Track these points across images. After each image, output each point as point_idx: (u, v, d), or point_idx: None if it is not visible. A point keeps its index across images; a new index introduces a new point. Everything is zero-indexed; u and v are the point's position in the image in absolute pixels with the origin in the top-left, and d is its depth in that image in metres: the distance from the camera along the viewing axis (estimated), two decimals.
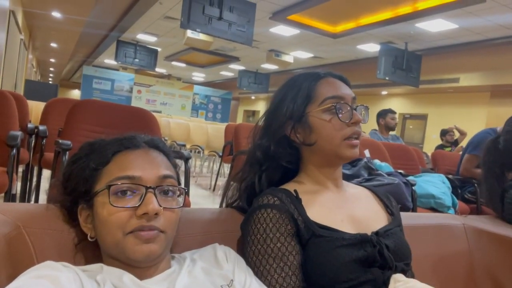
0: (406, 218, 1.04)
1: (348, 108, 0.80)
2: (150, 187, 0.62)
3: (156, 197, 0.62)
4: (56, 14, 7.75)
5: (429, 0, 5.67)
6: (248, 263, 0.74)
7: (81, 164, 0.66)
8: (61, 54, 13.25)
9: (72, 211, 0.67)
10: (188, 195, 1.81)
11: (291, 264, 0.72)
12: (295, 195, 0.78)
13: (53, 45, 11.58)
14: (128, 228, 0.60)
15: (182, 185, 0.70)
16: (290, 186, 0.82)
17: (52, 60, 15.19)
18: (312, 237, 0.74)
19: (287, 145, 0.84)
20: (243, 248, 0.77)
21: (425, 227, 1.13)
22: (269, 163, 0.85)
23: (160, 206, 0.62)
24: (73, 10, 7.21)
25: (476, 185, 2.76)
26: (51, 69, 18.58)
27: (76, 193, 0.66)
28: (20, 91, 9.36)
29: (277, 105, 0.84)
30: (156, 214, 0.61)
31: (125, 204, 0.61)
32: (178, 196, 0.67)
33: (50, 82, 21.30)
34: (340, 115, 0.79)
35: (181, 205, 0.67)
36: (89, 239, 0.65)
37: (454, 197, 2.49)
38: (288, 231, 0.74)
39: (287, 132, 0.83)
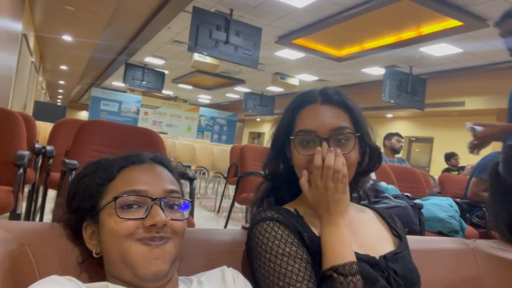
0: (414, 242, 1.03)
1: (311, 144, 0.77)
2: (156, 199, 0.63)
3: (162, 209, 0.62)
4: (66, 38, 7.95)
5: (432, 25, 5.75)
6: (261, 274, 0.71)
7: (87, 181, 0.66)
8: (70, 77, 13.50)
9: (76, 229, 0.67)
10: (193, 216, 1.79)
11: (306, 263, 0.70)
12: (296, 213, 0.78)
13: (63, 67, 11.82)
14: (136, 236, 0.60)
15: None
16: (289, 206, 0.81)
17: (62, 82, 15.47)
18: (318, 253, 0.72)
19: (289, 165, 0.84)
20: (250, 267, 0.75)
21: (433, 252, 1.10)
22: (278, 181, 0.86)
23: (167, 218, 0.62)
24: (83, 34, 7.40)
25: (484, 209, 2.72)
26: (60, 90, 18.89)
27: (81, 210, 0.66)
28: (29, 112, 9.51)
29: (277, 125, 0.86)
30: (164, 225, 0.61)
31: (131, 216, 0.61)
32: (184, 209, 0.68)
33: (59, 104, 21.63)
34: (303, 151, 0.77)
35: (187, 217, 0.68)
36: (94, 255, 0.64)
37: (463, 221, 2.45)
38: (295, 240, 0.72)
39: (287, 152, 0.84)
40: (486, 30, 5.51)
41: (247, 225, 0.84)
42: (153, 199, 0.63)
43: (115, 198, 0.62)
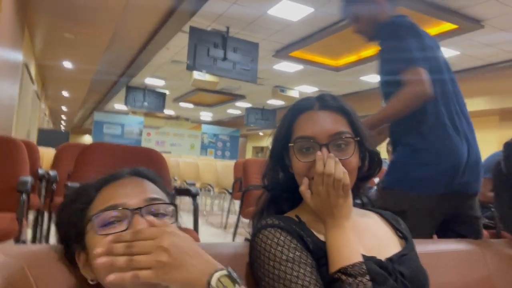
0: (423, 244, 1.01)
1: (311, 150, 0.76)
2: (135, 209, 0.61)
3: (144, 218, 0.60)
4: (67, 65, 8.07)
5: (427, 30, 5.75)
6: (266, 283, 0.69)
7: (69, 210, 0.66)
8: (72, 102, 13.66)
9: (72, 258, 0.66)
10: (197, 232, 1.78)
11: (311, 268, 0.68)
12: (297, 220, 0.76)
13: (65, 94, 11.96)
14: None
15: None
16: (290, 214, 0.80)
17: (64, 108, 15.64)
18: (323, 258, 0.70)
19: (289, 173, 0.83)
20: (254, 277, 0.73)
21: (443, 254, 1.08)
22: (278, 191, 0.86)
23: None
24: (83, 59, 7.51)
25: (492, 209, 2.68)
26: (63, 117, 19.08)
27: (69, 238, 0.65)
28: (34, 139, 9.58)
29: (275, 134, 0.86)
30: None
31: (112, 231, 0.60)
32: (171, 216, 0.66)
33: (62, 130, 21.81)
34: (303, 158, 0.76)
35: (175, 221, 0.65)
36: (90, 282, 0.63)
37: None
38: (298, 245, 0.71)
39: (286, 160, 0.83)
40: (481, 32, 5.54)
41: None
42: (132, 210, 0.61)
43: (92, 217, 0.61)
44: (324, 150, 0.74)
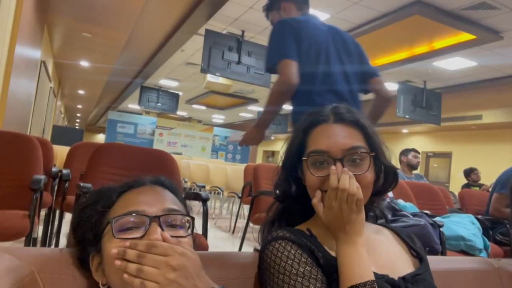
0: (434, 262, 0.98)
1: (324, 164, 0.75)
2: (154, 217, 0.61)
3: (161, 227, 0.60)
4: (84, 63, 8.19)
5: (445, 40, 5.72)
6: None
7: (89, 212, 0.66)
8: (87, 101, 13.86)
9: (84, 260, 0.66)
10: (206, 238, 1.77)
11: (321, 284, 0.67)
12: (309, 233, 0.75)
13: (81, 92, 12.14)
14: None
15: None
16: (301, 227, 0.79)
17: (79, 106, 15.88)
18: (334, 273, 0.69)
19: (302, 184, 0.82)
20: None
21: (456, 272, 1.05)
22: (290, 202, 0.85)
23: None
24: (100, 59, 7.62)
25: (508, 225, 2.62)
26: (78, 114, 19.36)
27: (85, 240, 0.65)
28: (48, 136, 9.73)
29: (288, 145, 0.85)
30: None
31: (129, 236, 0.59)
32: (188, 228, 0.65)
33: (77, 127, 22.13)
34: (316, 172, 0.75)
35: (191, 233, 0.65)
36: (101, 286, 0.62)
37: (486, 239, 2.36)
38: (308, 260, 0.69)
39: (299, 173, 0.82)
40: (500, 43, 5.45)
41: (259, 248, 0.82)
42: (151, 217, 0.61)
43: (112, 219, 0.61)
44: (339, 165, 0.73)
